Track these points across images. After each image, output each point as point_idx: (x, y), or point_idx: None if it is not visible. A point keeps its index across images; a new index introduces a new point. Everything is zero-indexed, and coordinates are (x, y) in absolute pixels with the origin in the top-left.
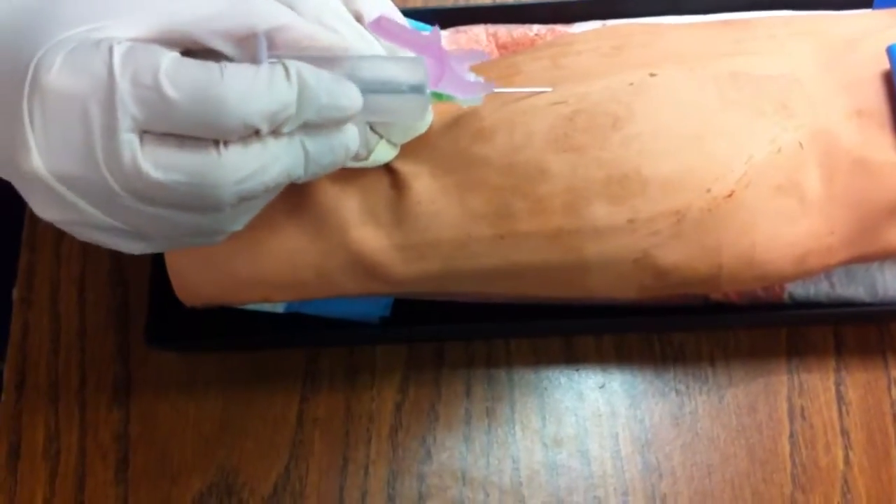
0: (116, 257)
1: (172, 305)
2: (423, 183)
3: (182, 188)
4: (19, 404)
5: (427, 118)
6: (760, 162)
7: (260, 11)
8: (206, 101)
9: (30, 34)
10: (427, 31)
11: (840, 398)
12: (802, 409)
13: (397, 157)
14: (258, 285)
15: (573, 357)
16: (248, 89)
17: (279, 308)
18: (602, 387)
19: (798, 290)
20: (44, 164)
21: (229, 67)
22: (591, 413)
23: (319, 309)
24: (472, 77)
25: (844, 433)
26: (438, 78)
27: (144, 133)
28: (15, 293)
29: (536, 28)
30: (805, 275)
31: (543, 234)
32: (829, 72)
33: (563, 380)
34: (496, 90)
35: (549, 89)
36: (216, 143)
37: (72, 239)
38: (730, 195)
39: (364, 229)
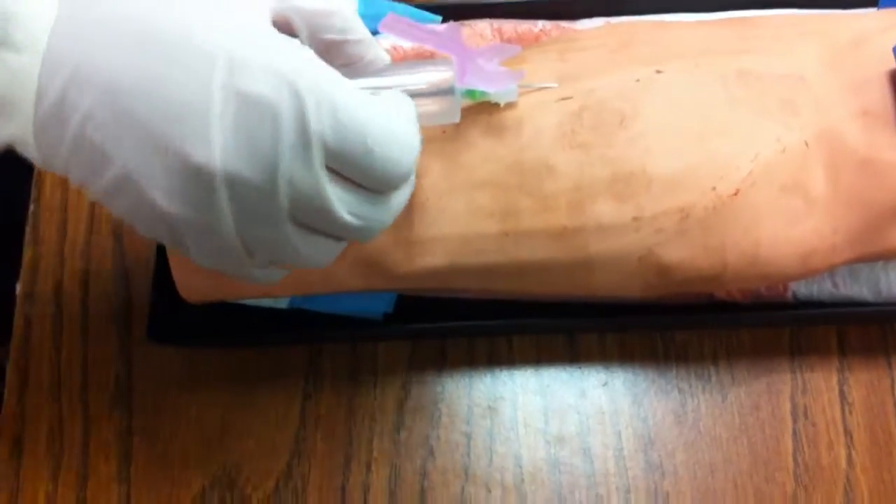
0: (120, 254)
1: (175, 302)
2: (430, 179)
3: (354, 226)
4: (22, 400)
5: (455, 118)
6: (766, 161)
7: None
8: (389, 156)
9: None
10: (436, 21)
11: (843, 397)
12: (805, 408)
13: None
14: None
15: (576, 355)
16: (414, 136)
17: (283, 303)
18: (605, 384)
19: (802, 289)
20: (220, 161)
21: (393, 108)
22: (594, 411)
23: (323, 305)
24: (502, 72)
25: (847, 433)
26: (463, 73)
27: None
28: (18, 288)
29: (542, 24)
30: (809, 274)
31: (549, 231)
32: (836, 71)
33: (565, 377)
34: (520, 85)
35: (554, 85)
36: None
37: (75, 235)
38: (735, 194)
39: None
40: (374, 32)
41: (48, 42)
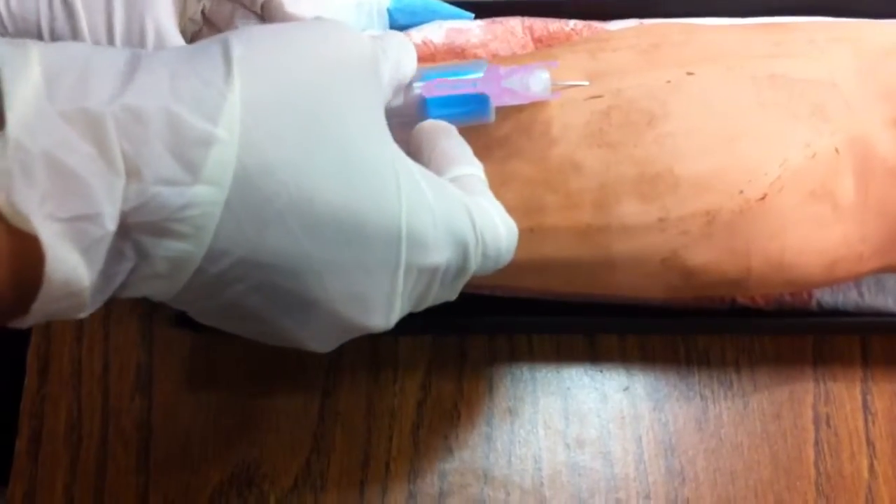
0: None
1: None
2: None
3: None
4: (42, 390)
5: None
6: (795, 166)
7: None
8: (507, 259)
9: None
10: (468, 18)
11: (866, 408)
12: (828, 417)
13: None
14: None
15: (596, 357)
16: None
17: None
18: (626, 389)
19: (826, 297)
20: (394, 319)
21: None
22: (615, 415)
23: None
24: (538, 85)
25: (870, 443)
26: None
27: None
28: None
29: (573, 23)
30: (834, 281)
31: (572, 229)
32: (868, 79)
33: (586, 380)
34: (549, 96)
35: (585, 83)
36: None
37: None
38: (762, 198)
39: None
40: (404, 27)
41: (215, 231)
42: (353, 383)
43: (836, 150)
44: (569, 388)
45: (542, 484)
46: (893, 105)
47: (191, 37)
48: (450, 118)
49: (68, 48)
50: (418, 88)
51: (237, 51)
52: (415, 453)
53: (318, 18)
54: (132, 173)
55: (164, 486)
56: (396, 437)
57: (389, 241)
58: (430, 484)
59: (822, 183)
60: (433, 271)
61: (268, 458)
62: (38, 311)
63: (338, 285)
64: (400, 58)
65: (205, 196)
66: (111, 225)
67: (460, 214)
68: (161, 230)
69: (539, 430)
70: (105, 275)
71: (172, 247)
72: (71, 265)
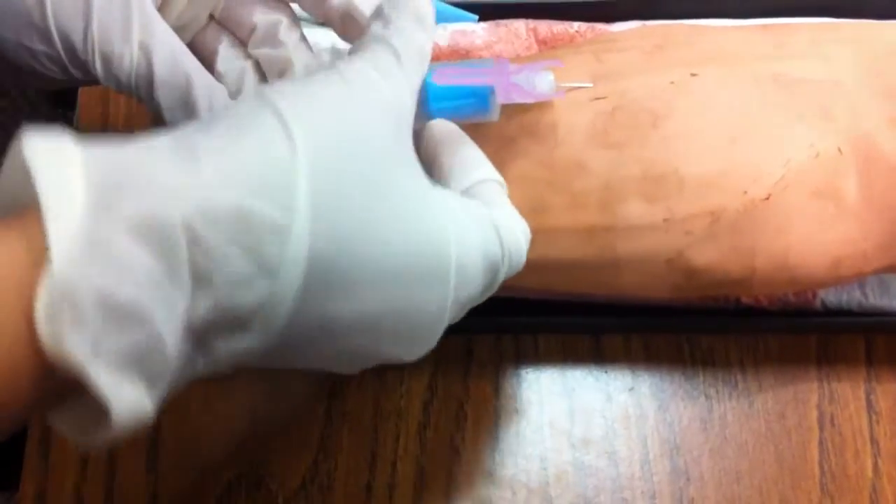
0: None
1: None
2: None
3: None
4: None
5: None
6: (798, 166)
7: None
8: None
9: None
10: (472, 20)
11: (870, 407)
12: (832, 416)
13: None
14: None
15: (601, 358)
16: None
17: None
18: (631, 389)
19: (830, 297)
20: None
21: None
22: (620, 415)
23: None
24: (544, 84)
25: (874, 442)
26: (505, 94)
27: None
28: None
29: (577, 25)
30: (838, 281)
31: (577, 229)
32: (872, 78)
33: (591, 381)
34: (556, 94)
35: (589, 84)
36: None
37: None
38: (766, 198)
39: None
40: None
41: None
42: (359, 384)
43: (840, 150)
44: (574, 389)
45: (547, 483)
46: None
47: (193, 37)
48: (451, 110)
49: (110, 144)
50: (429, 76)
51: (289, 114)
52: (421, 454)
53: (349, 65)
54: (201, 281)
55: (173, 486)
56: (403, 438)
57: (442, 282)
58: (436, 484)
59: (826, 182)
60: (471, 299)
61: (275, 459)
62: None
63: (390, 331)
64: (422, 69)
65: (278, 290)
66: (174, 346)
67: (492, 238)
68: (230, 330)
69: (545, 430)
70: (169, 384)
71: (241, 342)
72: (134, 399)
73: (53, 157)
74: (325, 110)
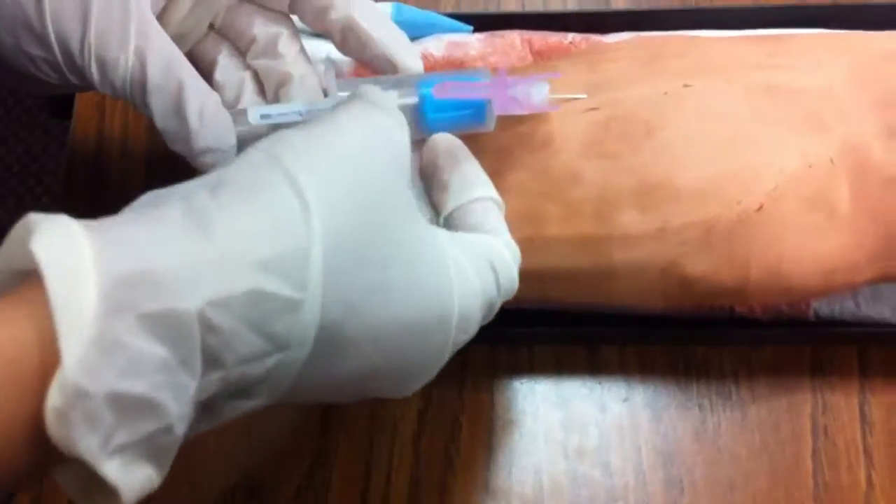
0: None
1: None
2: None
3: None
4: None
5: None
6: (791, 175)
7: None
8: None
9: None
10: (467, 31)
11: (864, 418)
12: (826, 427)
13: None
14: None
15: (596, 369)
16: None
17: None
18: (625, 400)
19: (824, 307)
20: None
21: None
22: (614, 425)
23: None
24: (540, 95)
25: (867, 453)
26: (502, 105)
27: None
28: None
29: (571, 36)
30: (832, 291)
31: (573, 239)
32: (864, 88)
33: (585, 391)
34: (552, 107)
35: (583, 96)
36: None
37: None
38: (759, 208)
39: None
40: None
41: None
42: None
43: (831, 160)
44: (568, 400)
45: (542, 494)
46: (888, 114)
47: (193, 46)
48: (448, 122)
49: (119, 227)
50: (426, 90)
51: (303, 179)
52: (416, 464)
53: (348, 111)
54: (214, 363)
55: (167, 495)
56: (398, 448)
57: (445, 332)
58: (431, 495)
59: (819, 192)
60: (469, 337)
61: (270, 468)
62: None
63: (390, 376)
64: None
65: (288, 360)
66: (182, 428)
67: (490, 279)
68: (237, 396)
69: (539, 441)
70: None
71: (247, 405)
72: (143, 479)
73: (63, 251)
74: (336, 165)
